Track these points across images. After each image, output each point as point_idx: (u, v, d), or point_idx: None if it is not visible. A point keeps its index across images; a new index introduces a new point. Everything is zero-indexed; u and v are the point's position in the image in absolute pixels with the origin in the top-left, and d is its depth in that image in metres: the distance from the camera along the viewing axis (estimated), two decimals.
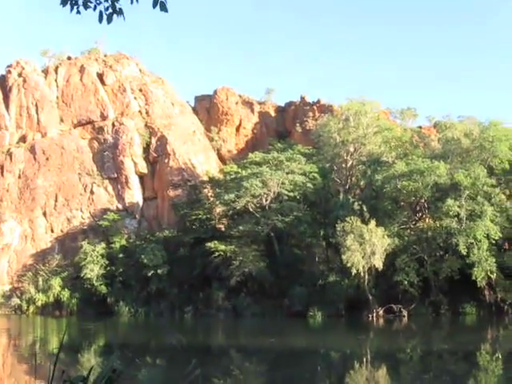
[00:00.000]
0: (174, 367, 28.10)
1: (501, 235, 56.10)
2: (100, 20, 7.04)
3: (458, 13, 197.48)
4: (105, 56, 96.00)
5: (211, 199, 74.44)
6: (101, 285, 69.00)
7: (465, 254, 54.79)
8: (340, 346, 40.63)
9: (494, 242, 55.68)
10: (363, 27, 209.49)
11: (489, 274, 54.42)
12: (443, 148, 68.69)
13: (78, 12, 7.23)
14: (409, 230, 62.96)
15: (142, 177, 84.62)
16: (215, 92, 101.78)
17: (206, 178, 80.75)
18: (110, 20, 7.08)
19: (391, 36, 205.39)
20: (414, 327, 54.35)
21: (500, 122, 67.93)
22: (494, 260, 54.56)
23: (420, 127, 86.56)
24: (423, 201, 64.02)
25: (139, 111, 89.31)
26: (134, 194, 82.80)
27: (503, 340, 44.44)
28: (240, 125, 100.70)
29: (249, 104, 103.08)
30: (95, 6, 7.14)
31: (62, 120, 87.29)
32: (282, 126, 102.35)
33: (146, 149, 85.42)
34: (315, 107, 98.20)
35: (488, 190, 58.94)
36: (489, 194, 58.93)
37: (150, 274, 66.92)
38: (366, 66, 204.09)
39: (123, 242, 73.37)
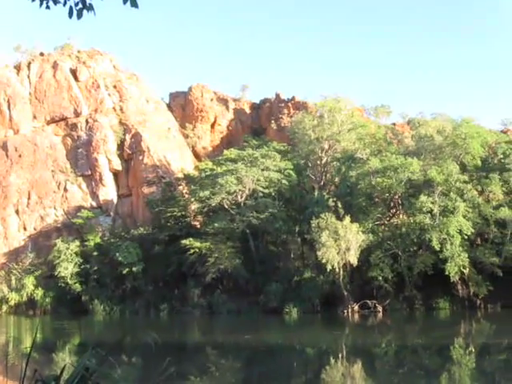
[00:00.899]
0: (150, 365, 27.96)
1: (473, 231, 56.72)
2: (70, 15, 6.93)
3: (435, 7, 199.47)
4: (78, 52, 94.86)
5: (186, 196, 74.21)
6: (75, 283, 68.32)
7: (438, 249, 55.31)
8: (316, 342, 40.86)
9: (466, 237, 56.27)
10: (338, 25, 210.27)
11: (461, 269, 55.02)
12: (416, 145, 69.34)
13: (48, 7, 7.11)
14: (383, 226, 63.44)
15: (116, 174, 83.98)
16: (190, 89, 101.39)
17: (180, 175, 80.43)
18: (79, 15, 6.97)
19: (365, 34, 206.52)
20: (388, 322, 54.85)
21: (472, 119, 68.89)
22: (466, 255, 55.19)
23: (394, 124, 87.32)
24: (397, 197, 64.54)
25: (113, 108, 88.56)
26: (109, 192, 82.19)
27: (476, 334, 45.10)
28: (215, 122, 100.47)
29: (224, 101, 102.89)
30: (65, 1, 7.01)
31: (34, 117, 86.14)
32: (257, 123, 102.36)
33: (121, 146, 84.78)
34: (290, 104, 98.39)
35: (460, 186, 59.60)
36: (461, 190, 59.61)
37: (124, 272, 66.44)
38: (340, 64, 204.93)
39: (97, 240, 72.71)
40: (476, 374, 27.24)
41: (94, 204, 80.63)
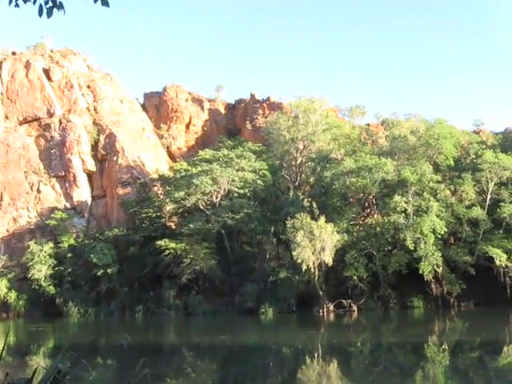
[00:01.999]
0: (125, 367, 27.80)
1: (446, 230, 57.34)
2: (40, 14, 6.82)
3: (412, 10, 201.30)
4: (51, 51, 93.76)
5: (161, 197, 73.82)
6: (49, 285, 67.55)
7: (412, 248, 55.83)
8: (291, 342, 40.97)
9: (439, 236, 56.90)
10: (313, 26, 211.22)
11: (435, 267, 55.60)
12: (390, 145, 69.86)
13: (17, 5, 7.00)
14: (358, 226, 63.81)
15: (90, 175, 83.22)
16: (164, 89, 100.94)
17: (155, 176, 79.93)
18: (49, 14, 6.87)
19: (341, 35, 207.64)
20: (363, 321, 55.17)
21: (445, 120, 69.63)
22: (439, 254, 55.79)
23: (368, 125, 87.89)
24: (371, 197, 65.02)
25: (87, 108, 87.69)
26: (83, 193, 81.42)
27: (449, 332, 45.60)
28: (190, 122, 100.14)
29: (198, 101, 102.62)
30: (35, 0, 6.92)
31: (6, 117, 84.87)
32: (232, 124, 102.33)
33: (95, 146, 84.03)
34: (265, 105, 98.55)
35: (434, 186, 60.24)
36: (434, 190, 60.25)
37: (99, 274, 65.89)
38: (315, 64, 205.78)
39: (71, 242, 72.02)
40: (450, 372, 27.55)
41: (68, 205, 79.79)
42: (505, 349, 32.53)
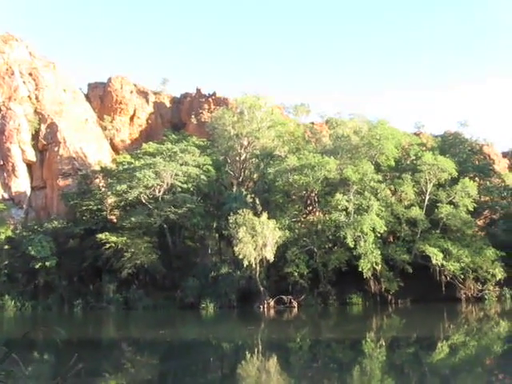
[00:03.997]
0: (63, 362, 27.33)
1: (385, 229, 58.53)
2: None
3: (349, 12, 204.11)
4: None
5: (103, 190, 72.72)
6: None
7: (352, 246, 56.77)
8: (232, 337, 41.13)
9: (379, 235, 58.07)
10: (262, 22, 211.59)
11: (374, 265, 56.68)
12: (334, 144, 70.70)
13: None
14: (299, 223, 64.44)
15: (30, 165, 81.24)
16: (109, 80, 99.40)
17: (97, 168, 78.60)
18: None
19: (290, 31, 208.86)
20: (303, 317, 55.80)
21: (387, 121, 71.02)
22: (379, 252, 56.93)
23: (312, 123, 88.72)
24: (314, 195, 65.79)
25: (28, 96, 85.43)
26: (21, 183, 79.38)
27: (387, 328, 46.64)
28: (134, 114, 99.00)
29: (144, 94, 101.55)
30: None
31: None
32: (177, 118, 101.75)
33: (35, 136, 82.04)
34: (211, 100, 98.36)
35: (374, 186, 61.37)
36: (375, 190, 61.39)
37: (37, 267, 64.31)
38: (263, 61, 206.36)
39: (9, 233, 70.14)
40: (386, 367, 28.23)
41: (6, 196, 77.67)
42: (439, 345, 33.55)
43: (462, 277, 59.16)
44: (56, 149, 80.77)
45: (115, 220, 70.61)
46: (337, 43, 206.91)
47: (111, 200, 70.29)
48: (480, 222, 70.54)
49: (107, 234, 63.49)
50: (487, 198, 70.40)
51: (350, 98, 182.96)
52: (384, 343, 35.14)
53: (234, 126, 70.49)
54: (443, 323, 46.53)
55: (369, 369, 27.70)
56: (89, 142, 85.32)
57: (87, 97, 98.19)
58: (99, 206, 70.60)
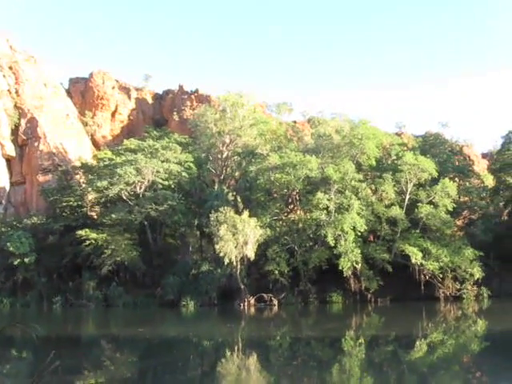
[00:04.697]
0: (41, 360, 27.14)
1: (366, 228, 58.84)
2: None
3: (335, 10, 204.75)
4: None
5: (83, 186, 72.20)
6: None
7: (333, 245, 57.05)
8: (212, 335, 41.15)
9: (359, 234, 58.38)
10: (244, 19, 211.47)
11: (354, 264, 56.99)
12: (315, 143, 70.95)
13: None
14: (281, 222, 64.60)
15: (9, 160, 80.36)
16: (91, 75, 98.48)
17: (78, 164, 78.00)
18: None
19: (272, 31, 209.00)
20: (283, 315, 55.96)
21: (369, 121, 71.38)
22: (359, 251, 57.22)
23: (295, 122, 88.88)
24: (295, 193, 66.00)
25: (8, 90, 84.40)
26: (0, 179, 78.54)
27: (366, 326, 46.96)
28: (116, 110, 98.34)
29: (126, 89, 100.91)
30: None
31: None
32: (159, 114, 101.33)
33: (15, 131, 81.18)
34: (193, 97, 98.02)
35: (355, 185, 61.66)
36: (356, 189, 61.66)
37: (16, 263, 63.75)
38: (247, 59, 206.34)
39: None
40: (365, 365, 28.43)
41: None
42: (417, 343, 33.87)
43: (441, 276, 59.73)
44: (36, 144, 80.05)
45: (95, 216, 70.17)
46: (324, 41, 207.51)
47: (92, 196, 69.87)
48: (459, 222, 71.21)
49: (87, 230, 63.09)
50: (466, 199, 71.08)
51: (336, 97, 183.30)
52: (363, 341, 35.40)
53: (216, 123, 70.38)
54: (422, 322, 46.93)
55: (348, 367, 27.90)
56: (69, 138, 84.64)
57: (68, 92, 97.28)
58: (79, 203, 70.12)
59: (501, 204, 75.01)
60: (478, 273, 58.88)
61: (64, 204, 69.66)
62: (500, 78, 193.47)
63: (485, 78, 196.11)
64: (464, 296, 60.15)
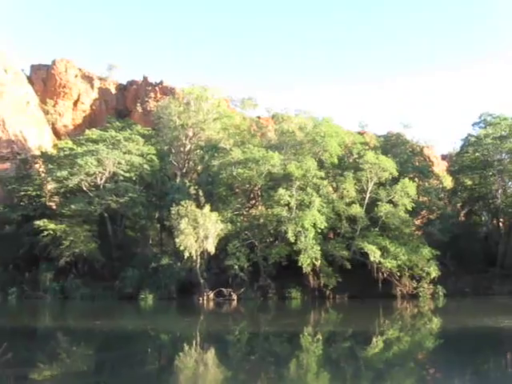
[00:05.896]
0: None
1: (326, 225, 59.27)
2: None
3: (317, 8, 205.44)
4: None
5: (42, 175, 71.04)
6: None
7: (293, 241, 57.31)
8: (170, 329, 40.99)
9: (319, 231, 58.80)
10: (214, 18, 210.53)
11: (314, 260, 57.37)
12: (279, 139, 71.13)
13: None
14: (242, 217, 64.64)
15: None
16: (53, 62, 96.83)
17: (38, 153, 76.57)
18: None
19: (240, 28, 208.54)
20: (242, 310, 56.08)
21: (332, 119, 71.99)
22: (319, 248, 57.64)
23: (259, 117, 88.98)
24: (257, 189, 66.15)
25: None
26: None
27: (324, 323, 47.38)
28: (78, 99, 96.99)
29: (89, 78, 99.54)
30: None
31: None
32: (123, 105, 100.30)
33: None
34: (157, 88, 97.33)
35: (317, 182, 62.06)
36: (317, 186, 62.06)
37: None
38: (213, 54, 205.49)
39: None
40: (322, 360, 28.72)
41: None
42: (374, 339, 34.31)
43: (399, 274, 60.57)
44: None
45: (54, 207, 69.13)
46: (295, 36, 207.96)
47: (51, 186, 68.71)
48: (417, 222, 72.26)
49: (45, 220, 62.11)
50: (425, 199, 72.16)
51: (307, 92, 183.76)
52: (321, 337, 35.69)
53: (180, 116, 70.04)
54: (379, 319, 47.55)
55: (305, 362, 28.13)
56: (29, 126, 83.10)
57: (30, 79, 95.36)
58: (38, 192, 68.94)
59: (458, 205, 76.69)
60: (434, 271, 59.87)
61: (22, 193, 68.45)
62: (468, 78, 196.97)
63: (438, 79, 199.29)
64: (420, 294, 61.08)
